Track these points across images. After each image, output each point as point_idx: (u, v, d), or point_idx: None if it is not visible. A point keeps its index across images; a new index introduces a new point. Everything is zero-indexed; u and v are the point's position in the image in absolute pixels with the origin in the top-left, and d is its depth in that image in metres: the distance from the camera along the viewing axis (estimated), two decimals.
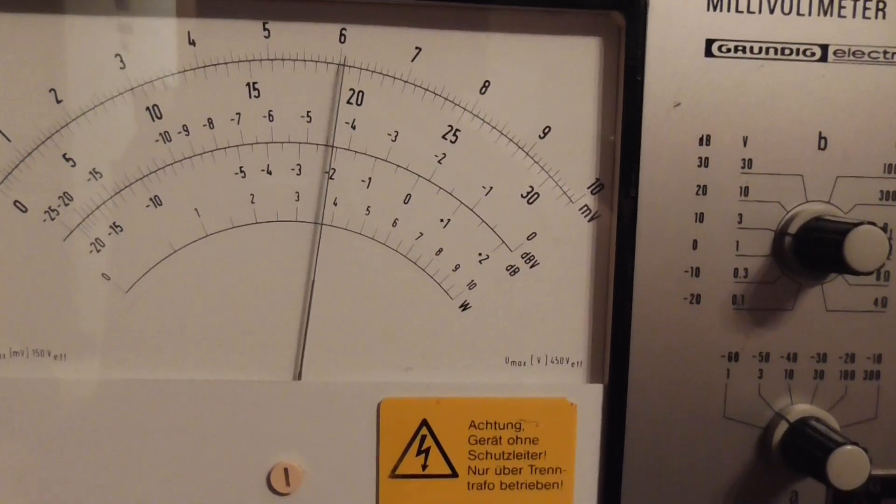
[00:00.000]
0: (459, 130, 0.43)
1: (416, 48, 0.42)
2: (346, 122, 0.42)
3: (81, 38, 0.41)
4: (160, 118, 0.42)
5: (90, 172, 0.42)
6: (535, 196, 0.44)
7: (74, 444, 0.42)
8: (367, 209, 0.43)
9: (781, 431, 0.44)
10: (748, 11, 0.43)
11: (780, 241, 0.44)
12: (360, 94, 0.42)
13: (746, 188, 0.44)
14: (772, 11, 0.43)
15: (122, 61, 0.41)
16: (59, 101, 0.41)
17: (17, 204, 0.42)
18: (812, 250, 0.43)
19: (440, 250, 0.44)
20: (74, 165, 0.42)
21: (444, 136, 0.43)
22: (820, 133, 0.44)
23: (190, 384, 0.43)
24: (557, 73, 0.43)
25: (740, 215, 0.44)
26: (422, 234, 0.44)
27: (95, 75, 0.41)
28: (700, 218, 0.44)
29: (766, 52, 0.43)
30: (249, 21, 0.41)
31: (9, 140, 0.41)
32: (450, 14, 0.42)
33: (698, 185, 0.43)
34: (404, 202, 0.43)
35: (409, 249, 0.44)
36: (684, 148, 0.43)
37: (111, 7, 0.41)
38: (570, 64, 0.43)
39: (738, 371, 0.45)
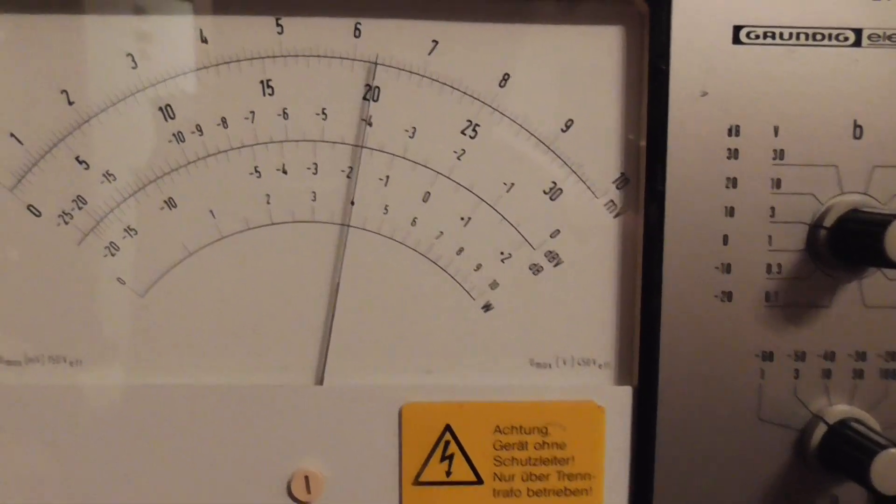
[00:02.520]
0: (479, 125, 0.42)
1: (433, 41, 0.41)
2: (363, 119, 0.41)
3: (92, 37, 0.40)
4: (173, 118, 0.41)
5: (104, 175, 0.41)
6: (559, 192, 0.42)
7: (92, 450, 0.42)
8: (385, 208, 0.42)
9: (820, 434, 0.43)
10: None
11: (814, 235, 0.42)
12: (377, 89, 0.41)
13: (778, 180, 0.42)
14: None
15: (133, 61, 0.41)
16: (71, 103, 0.41)
17: (31, 208, 0.41)
18: (849, 244, 0.41)
19: (461, 249, 0.43)
20: (88, 168, 0.41)
21: (462, 132, 0.42)
22: (855, 121, 0.42)
23: (209, 389, 0.42)
24: (579, 63, 0.42)
25: (772, 208, 0.42)
26: (442, 232, 0.42)
27: (107, 76, 0.41)
28: (730, 212, 0.42)
29: (797, 38, 0.41)
30: (262, 17, 0.41)
31: (21, 143, 0.41)
32: (467, 5, 0.41)
33: (728, 178, 0.42)
34: (423, 200, 0.42)
35: (429, 249, 0.42)
36: (712, 139, 0.42)
37: (122, 6, 0.40)
38: (592, 54, 0.42)
39: (773, 371, 0.43)
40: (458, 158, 0.42)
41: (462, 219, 0.42)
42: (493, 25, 0.41)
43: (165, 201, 0.41)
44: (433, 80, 0.41)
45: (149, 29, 0.40)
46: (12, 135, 0.41)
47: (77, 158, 0.41)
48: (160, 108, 0.41)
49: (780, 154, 0.42)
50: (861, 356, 0.43)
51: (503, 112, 0.42)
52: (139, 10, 0.40)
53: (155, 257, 0.42)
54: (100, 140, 0.41)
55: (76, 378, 0.42)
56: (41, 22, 0.40)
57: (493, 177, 0.42)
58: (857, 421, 0.42)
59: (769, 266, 0.43)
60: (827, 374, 0.43)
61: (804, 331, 0.43)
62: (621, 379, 0.44)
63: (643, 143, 0.42)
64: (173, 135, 0.41)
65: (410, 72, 0.41)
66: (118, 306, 0.42)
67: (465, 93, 0.41)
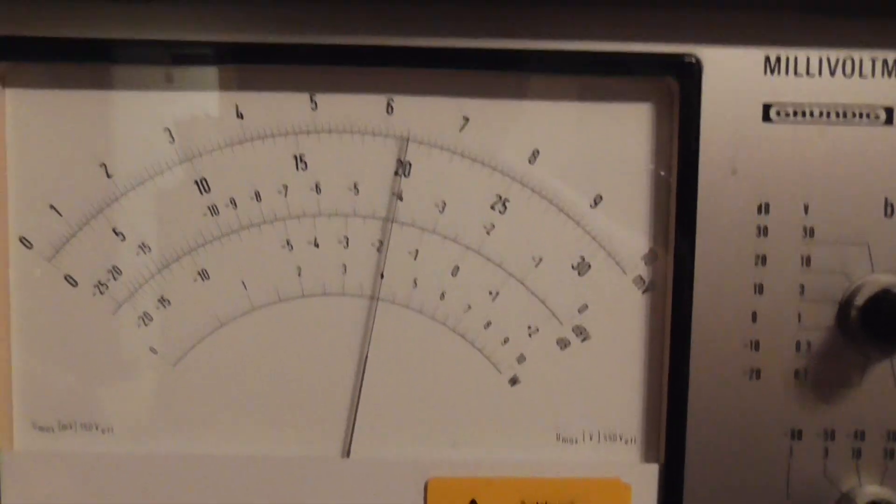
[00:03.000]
0: (508, 200, 0.42)
1: (465, 118, 0.42)
2: (394, 194, 0.42)
3: (131, 113, 0.41)
4: (208, 191, 0.42)
5: (139, 246, 0.42)
6: (587, 267, 0.43)
7: None
8: (415, 282, 0.42)
9: None
10: (807, 74, 0.41)
11: (845, 314, 0.42)
12: (408, 164, 0.42)
13: (808, 258, 0.42)
14: (832, 74, 0.41)
15: (171, 135, 0.41)
16: (109, 176, 0.41)
17: (68, 278, 0.42)
18: (882, 323, 0.40)
19: (489, 323, 0.43)
20: (124, 240, 0.42)
21: (492, 207, 0.42)
22: (886, 199, 0.42)
23: (237, 459, 0.42)
24: (608, 140, 0.42)
25: (802, 286, 0.42)
26: (470, 306, 0.43)
27: (145, 150, 0.41)
28: (759, 289, 0.42)
29: (828, 116, 0.41)
30: (297, 93, 0.41)
31: (60, 215, 0.42)
32: (498, 82, 0.42)
33: (757, 255, 0.42)
34: (452, 274, 0.42)
35: (457, 323, 0.43)
36: (742, 216, 0.41)
37: (160, 82, 0.41)
38: (622, 131, 0.42)
39: (802, 450, 0.42)
40: (488, 233, 0.42)
41: (490, 293, 0.43)
42: (524, 102, 0.42)
43: (199, 272, 0.42)
44: (464, 155, 0.42)
45: (186, 104, 0.41)
46: (52, 206, 0.42)
47: (114, 230, 0.42)
48: (196, 182, 0.42)
49: (810, 232, 0.42)
50: (892, 436, 0.43)
51: (533, 188, 0.42)
52: (177, 87, 0.41)
53: (187, 328, 0.42)
54: (136, 212, 0.42)
55: (107, 446, 0.43)
56: (81, 97, 0.41)
57: (521, 251, 0.42)
58: (888, 502, 0.42)
59: (798, 344, 0.42)
60: (857, 453, 0.43)
61: (834, 409, 0.43)
62: (648, 455, 0.43)
63: (672, 220, 0.42)
64: (208, 208, 0.42)
65: (442, 147, 0.42)
66: (150, 375, 0.43)
67: (494, 168, 0.42)
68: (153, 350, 0.42)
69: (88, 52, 0.40)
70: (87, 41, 0.40)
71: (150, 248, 0.42)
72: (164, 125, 0.41)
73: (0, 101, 0.41)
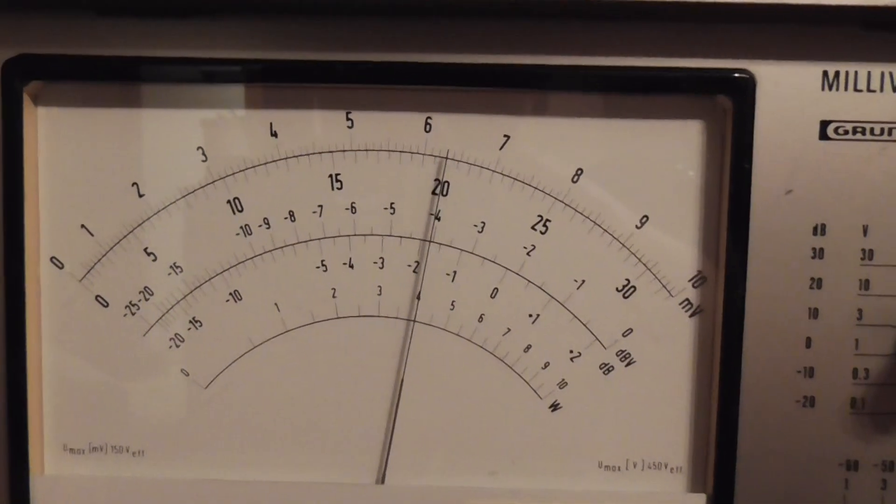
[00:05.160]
0: (550, 220, 0.41)
1: (505, 136, 0.40)
2: (431, 214, 0.41)
3: (164, 131, 0.40)
4: (241, 211, 0.41)
5: (171, 267, 0.41)
6: (632, 289, 0.41)
7: None
8: (452, 304, 0.41)
9: None
10: (868, 90, 0.39)
11: None
12: (446, 184, 0.40)
13: (867, 281, 0.40)
14: (895, 90, 0.39)
15: (203, 154, 0.40)
16: (141, 196, 0.41)
17: (99, 299, 0.41)
18: None
19: (529, 347, 0.41)
20: (155, 260, 0.41)
21: (533, 227, 0.41)
22: None
23: (269, 485, 0.41)
24: (655, 158, 0.40)
25: (860, 311, 0.40)
26: (509, 329, 0.41)
27: (177, 169, 0.41)
28: (814, 314, 0.40)
29: (889, 134, 0.39)
30: (333, 111, 0.40)
31: (91, 235, 0.41)
32: (539, 99, 0.40)
33: (812, 279, 0.40)
34: (491, 296, 0.41)
35: (495, 346, 0.41)
36: (797, 238, 0.40)
37: (193, 100, 0.40)
38: (670, 149, 0.40)
39: (859, 482, 0.41)
40: (528, 254, 0.41)
41: (531, 316, 0.41)
42: (566, 120, 0.40)
43: (231, 293, 0.41)
44: (504, 175, 0.40)
45: (220, 123, 0.40)
46: (83, 226, 0.41)
47: (145, 250, 0.41)
48: (229, 202, 0.41)
49: (868, 254, 0.40)
50: None
51: (576, 208, 0.40)
52: (211, 105, 0.40)
53: (219, 349, 0.41)
54: (168, 232, 0.41)
55: (138, 469, 0.42)
56: (113, 116, 0.40)
57: (563, 273, 0.41)
58: None
59: (855, 371, 0.40)
60: None
61: (892, 439, 0.41)
62: (695, 485, 0.42)
63: (723, 241, 0.40)
64: (241, 228, 0.41)
65: (481, 167, 0.40)
66: (181, 398, 0.42)
67: (536, 188, 0.40)
68: (184, 372, 0.42)
69: (120, 70, 0.39)
70: (118, 59, 0.39)
71: (181, 269, 0.41)
72: (198, 144, 0.40)
73: (32, 119, 0.40)
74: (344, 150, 0.40)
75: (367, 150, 0.40)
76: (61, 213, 0.41)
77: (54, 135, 0.40)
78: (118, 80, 0.40)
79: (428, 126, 0.40)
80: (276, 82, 0.40)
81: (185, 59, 0.39)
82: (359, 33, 0.39)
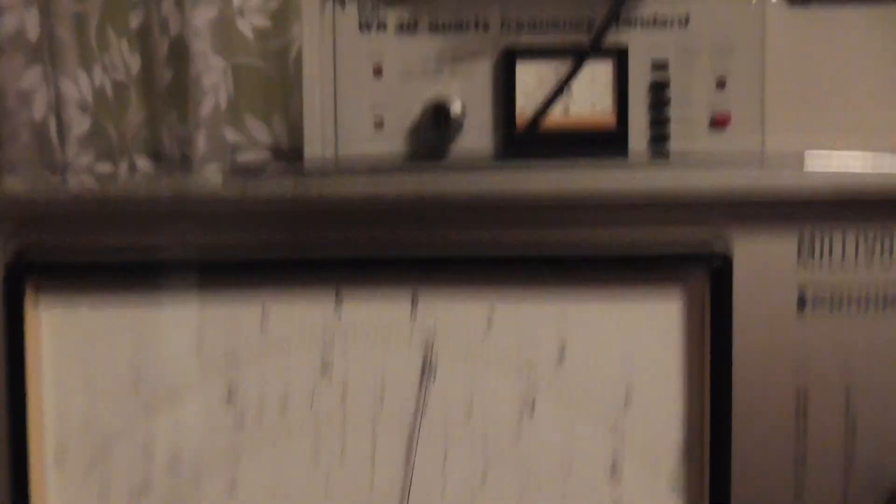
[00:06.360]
0: (536, 401, 0.41)
1: (489, 318, 0.41)
2: (419, 401, 0.42)
3: (160, 327, 0.42)
4: (233, 403, 0.42)
5: (169, 461, 0.42)
6: (619, 471, 0.41)
7: None
8: (443, 489, 0.42)
9: None
10: (842, 259, 0.40)
11: None
12: (433, 367, 0.41)
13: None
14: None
15: (199, 349, 0.42)
16: (137, 392, 0.42)
17: (102, 495, 0.42)
18: None
19: None
20: (153, 456, 0.42)
21: (520, 410, 0.41)
22: None
23: None
24: (637, 336, 0.41)
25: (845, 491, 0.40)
26: None
27: (172, 363, 0.42)
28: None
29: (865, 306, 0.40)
30: (321, 293, 0.42)
31: (93, 431, 0.42)
32: (522, 278, 0.41)
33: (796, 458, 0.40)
34: (481, 481, 0.42)
35: None
36: (780, 410, 0.40)
37: (187, 295, 0.42)
38: (651, 326, 0.41)
39: None
40: (516, 437, 0.41)
41: (521, 501, 0.41)
42: (550, 299, 0.41)
43: (227, 485, 0.42)
44: (490, 359, 0.41)
45: (216, 316, 0.42)
46: (85, 423, 0.42)
47: (143, 447, 0.42)
48: (224, 395, 0.42)
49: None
50: None
51: (560, 389, 0.41)
52: (206, 301, 0.42)
53: None
54: (166, 427, 0.42)
55: None
56: (113, 315, 0.42)
57: (551, 456, 0.41)
58: None
59: None
60: None
61: None
62: None
63: (707, 416, 0.40)
64: (235, 420, 0.42)
65: (468, 351, 0.41)
66: None
67: (521, 370, 0.41)
68: None
69: (119, 274, 0.41)
70: (115, 264, 0.41)
71: (179, 462, 0.42)
72: (193, 339, 0.42)
73: (35, 318, 0.42)
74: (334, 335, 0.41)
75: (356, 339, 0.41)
76: (65, 409, 0.42)
77: (55, 332, 0.42)
78: (115, 283, 0.42)
79: (414, 315, 0.41)
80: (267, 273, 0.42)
81: (180, 263, 0.41)
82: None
